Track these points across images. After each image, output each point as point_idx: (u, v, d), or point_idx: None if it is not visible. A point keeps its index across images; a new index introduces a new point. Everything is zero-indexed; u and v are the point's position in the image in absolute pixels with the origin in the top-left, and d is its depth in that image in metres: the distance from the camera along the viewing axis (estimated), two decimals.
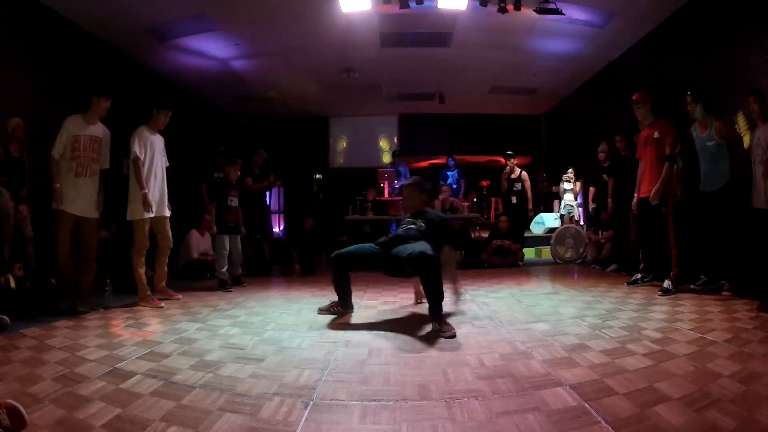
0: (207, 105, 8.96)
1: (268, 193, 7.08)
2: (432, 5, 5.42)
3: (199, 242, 5.67)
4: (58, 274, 3.58)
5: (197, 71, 7.32)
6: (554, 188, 8.65)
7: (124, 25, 5.63)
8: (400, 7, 5.38)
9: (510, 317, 2.99)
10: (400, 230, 3.11)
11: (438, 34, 6.44)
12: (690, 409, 1.50)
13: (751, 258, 3.47)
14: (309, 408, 1.62)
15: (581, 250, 6.48)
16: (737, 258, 3.57)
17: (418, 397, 1.69)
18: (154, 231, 3.79)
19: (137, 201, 3.62)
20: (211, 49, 6.64)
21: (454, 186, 8.22)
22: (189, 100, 8.22)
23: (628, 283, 4.16)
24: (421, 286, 3.03)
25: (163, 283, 3.90)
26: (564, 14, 5.48)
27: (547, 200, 9.24)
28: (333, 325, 2.88)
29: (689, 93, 3.74)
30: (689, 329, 2.51)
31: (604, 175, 5.73)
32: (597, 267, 5.73)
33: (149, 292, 3.68)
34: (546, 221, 8.32)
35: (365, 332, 2.70)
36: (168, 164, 3.96)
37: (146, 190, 3.62)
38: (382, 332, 2.68)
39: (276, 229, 9.22)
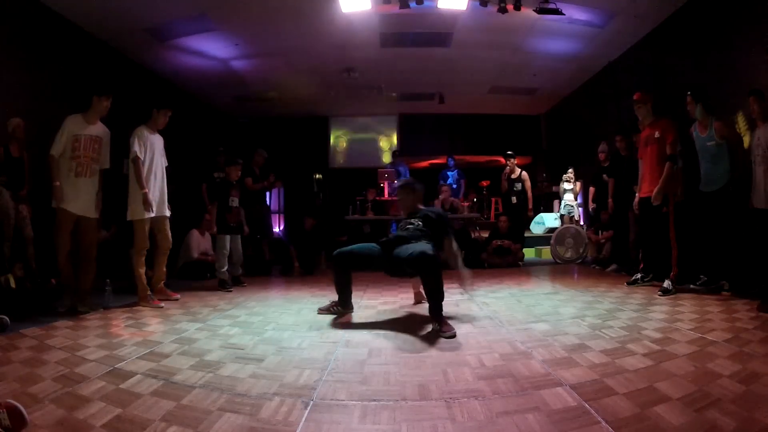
0: (207, 105, 8.96)
1: (268, 193, 7.08)
2: (432, 5, 5.42)
3: (200, 242, 5.67)
4: (58, 274, 3.57)
5: (197, 71, 7.32)
6: (554, 188, 8.65)
7: (124, 25, 5.63)
8: (400, 7, 5.38)
9: (510, 317, 2.99)
10: (401, 231, 3.12)
11: (438, 34, 6.44)
12: (690, 409, 1.50)
13: (751, 258, 3.47)
14: (309, 408, 1.62)
15: (581, 250, 6.48)
16: (737, 258, 3.57)
17: (418, 397, 1.69)
18: (154, 231, 3.79)
19: (137, 201, 3.62)
20: (211, 49, 6.64)
21: (454, 186, 8.21)
22: (189, 100, 8.23)
23: (628, 283, 4.16)
24: (421, 287, 3.04)
25: (162, 284, 3.90)
26: (564, 14, 5.48)
27: (547, 200, 9.24)
28: (333, 325, 2.88)
29: (689, 93, 3.74)
30: (689, 329, 2.51)
31: (604, 175, 5.72)
32: (597, 267, 5.73)
33: (149, 292, 3.68)
34: (546, 221, 8.32)
35: (365, 332, 2.70)
36: (167, 164, 3.96)
37: (146, 190, 3.62)
38: (382, 332, 2.68)
39: (276, 229, 9.22)
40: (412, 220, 3.16)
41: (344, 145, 10.79)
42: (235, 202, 4.85)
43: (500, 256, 6.15)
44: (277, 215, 10.05)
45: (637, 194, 4.16)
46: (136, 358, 2.21)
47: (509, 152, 6.71)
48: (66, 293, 3.43)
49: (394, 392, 1.74)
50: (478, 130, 10.45)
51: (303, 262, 6.01)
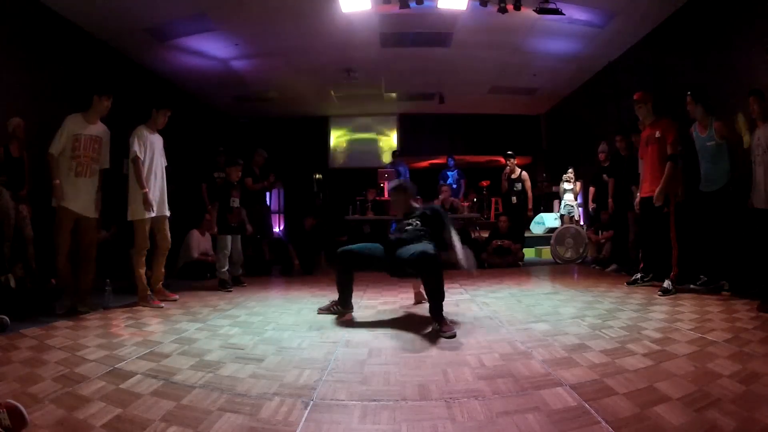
0: (207, 105, 8.96)
1: (268, 194, 7.08)
2: (432, 5, 5.42)
3: (200, 242, 5.67)
4: (57, 274, 3.57)
5: (197, 71, 7.32)
6: (554, 188, 8.65)
7: (124, 25, 5.63)
8: (400, 7, 5.38)
9: (510, 317, 2.99)
10: (401, 234, 3.10)
11: (438, 34, 6.43)
12: (690, 409, 1.50)
13: (751, 258, 3.47)
14: (309, 408, 1.62)
15: (581, 250, 6.48)
16: (737, 258, 3.57)
17: (418, 397, 1.69)
18: (153, 231, 3.78)
19: (138, 201, 3.62)
20: (211, 49, 6.64)
21: (454, 186, 8.21)
22: (189, 100, 8.22)
23: (628, 283, 4.16)
24: (421, 287, 3.04)
25: (160, 284, 3.88)
26: (564, 14, 5.48)
27: (547, 200, 9.24)
28: (333, 325, 2.88)
29: (689, 93, 3.75)
30: (689, 329, 2.51)
31: (604, 175, 5.72)
32: (597, 267, 5.73)
33: (149, 293, 3.68)
34: (546, 221, 8.32)
35: (365, 332, 2.70)
36: (167, 164, 3.95)
37: (147, 190, 3.62)
38: (382, 332, 2.68)
39: (276, 229, 9.22)
40: (411, 221, 3.16)
41: (345, 145, 10.80)
42: (235, 202, 4.86)
43: (500, 256, 6.15)
44: (277, 215, 10.05)
45: (638, 194, 4.16)
46: (136, 358, 2.21)
47: (509, 152, 6.71)
48: (64, 295, 3.40)
49: (394, 392, 1.74)
50: (478, 130, 10.45)
51: (303, 262, 6.01)
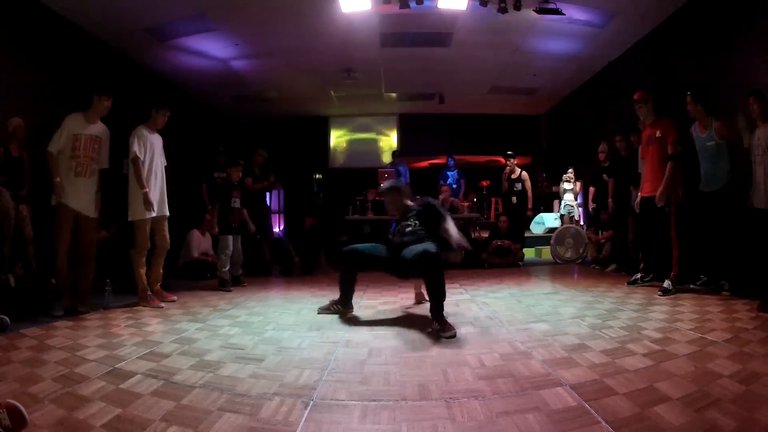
0: (207, 105, 8.96)
1: (268, 194, 7.08)
2: (432, 5, 5.42)
3: (200, 242, 5.67)
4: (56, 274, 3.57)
5: (197, 71, 7.32)
6: (554, 188, 8.65)
7: (124, 25, 5.62)
8: (400, 7, 5.38)
9: (510, 317, 2.99)
10: (405, 238, 3.08)
11: (438, 34, 6.43)
12: (690, 409, 1.50)
13: (751, 258, 3.47)
14: (309, 408, 1.62)
15: (581, 250, 6.48)
16: (737, 258, 3.57)
17: (418, 397, 1.69)
18: (153, 231, 3.77)
19: (138, 201, 3.61)
20: (211, 49, 6.63)
21: (454, 186, 8.21)
22: (189, 100, 8.22)
23: (629, 283, 4.16)
24: (422, 287, 3.03)
25: (158, 285, 3.86)
26: (564, 14, 5.48)
27: (547, 200, 9.24)
28: (333, 325, 2.88)
29: (689, 93, 3.75)
30: (689, 329, 2.51)
31: (604, 175, 5.73)
32: (597, 267, 5.73)
33: (149, 293, 3.68)
34: (546, 221, 8.32)
35: (365, 332, 2.70)
36: (166, 164, 3.95)
37: (147, 190, 3.61)
38: (382, 332, 2.68)
39: (276, 229, 9.22)
40: (409, 222, 3.14)
41: (345, 145, 10.79)
42: (236, 202, 4.87)
43: (500, 256, 6.15)
44: (277, 215, 10.05)
45: (639, 193, 4.15)
46: (136, 358, 2.21)
47: (509, 152, 6.71)
48: (63, 296, 3.35)
49: (394, 392, 1.74)
50: (478, 130, 10.44)
51: (303, 261, 6.01)
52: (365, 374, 1.95)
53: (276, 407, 1.63)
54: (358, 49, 6.72)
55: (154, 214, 3.69)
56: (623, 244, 5.25)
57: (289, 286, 4.80)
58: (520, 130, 10.42)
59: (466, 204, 7.68)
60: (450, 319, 2.69)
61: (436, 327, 2.61)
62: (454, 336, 2.49)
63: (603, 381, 1.77)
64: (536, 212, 8.28)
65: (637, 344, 2.25)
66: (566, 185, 7.63)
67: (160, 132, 3.92)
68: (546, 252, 7.06)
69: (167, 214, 3.88)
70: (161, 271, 3.90)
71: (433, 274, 2.68)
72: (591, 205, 6.49)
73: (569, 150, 8.91)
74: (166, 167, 3.93)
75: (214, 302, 3.81)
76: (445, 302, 2.70)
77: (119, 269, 4.33)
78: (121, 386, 1.82)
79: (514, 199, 6.60)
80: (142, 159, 3.64)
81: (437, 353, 2.24)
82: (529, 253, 7.24)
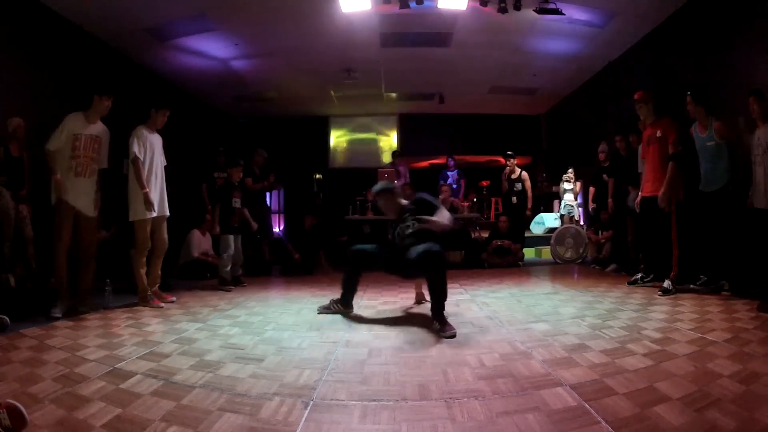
0: (207, 105, 8.96)
1: (268, 194, 7.08)
2: (432, 5, 5.42)
3: (201, 242, 5.68)
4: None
5: (197, 71, 7.31)
6: (554, 188, 8.65)
7: (124, 25, 5.62)
8: (400, 7, 5.38)
9: (510, 317, 2.99)
10: (405, 241, 3.05)
11: (438, 34, 6.43)
12: (690, 409, 1.50)
13: (751, 258, 3.47)
14: (309, 408, 1.62)
15: (581, 250, 6.48)
16: (737, 258, 3.57)
17: (418, 397, 1.69)
18: (152, 231, 3.76)
19: (139, 201, 3.60)
20: (211, 49, 6.63)
21: (454, 186, 8.21)
22: (189, 100, 8.22)
23: (629, 283, 4.16)
24: (423, 287, 3.03)
25: (156, 287, 3.84)
26: (564, 14, 5.48)
27: (547, 200, 9.24)
28: (333, 325, 2.88)
29: (689, 93, 3.74)
30: (689, 329, 2.51)
31: (604, 175, 5.73)
32: (597, 267, 5.73)
33: (149, 293, 3.68)
34: (546, 221, 8.32)
35: (365, 332, 2.70)
36: (166, 164, 3.95)
37: (147, 190, 3.61)
38: (382, 332, 2.68)
39: (276, 229, 9.22)
40: (408, 223, 3.11)
41: (345, 145, 10.79)
42: (237, 203, 4.88)
43: (500, 256, 6.15)
44: (277, 215, 10.05)
45: (639, 193, 4.15)
46: (136, 358, 2.21)
47: (509, 152, 6.71)
48: (61, 298, 3.30)
49: (394, 392, 1.75)
50: (478, 130, 10.44)
51: (302, 261, 6.00)
52: (365, 374, 1.95)
53: (276, 407, 1.63)
54: (358, 49, 6.72)
55: (155, 214, 3.69)
56: (623, 244, 5.25)
57: (289, 286, 4.80)
58: (520, 130, 10.41)
59: (466, 204, 7.68)
60: (450, 319, 2.69)
61: (437, 327, 2.61)
62: (454, 336, 2.49)
63: (603, 381, 1.77)
64: (536, 212, 8.28)
65: (637, 344, 2.25)
66: (566, 185, 7.63)
67: (160, 132, 3.91)
68: (546, 252, 7.06)
69: (167, 214, 3.87)
70: (159, 272, 3.88)
71: (435, 274, 2.67)
72: (591, 205, 6.49)
73: (569, 150, 8.91)
74: (165, 167, 3.93)
75: (214, 302, 3.81)
76: (445, 302, 2.70)
77: (119, 269, 4.33)
78: (121, 386, 1.82)
79: (514, 199, 6.60)
80: (141, 159, 3.64)
81: (437, 353, 2.24)
82: (529, 253, 7.24)
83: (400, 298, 3.78)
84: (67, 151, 3.40)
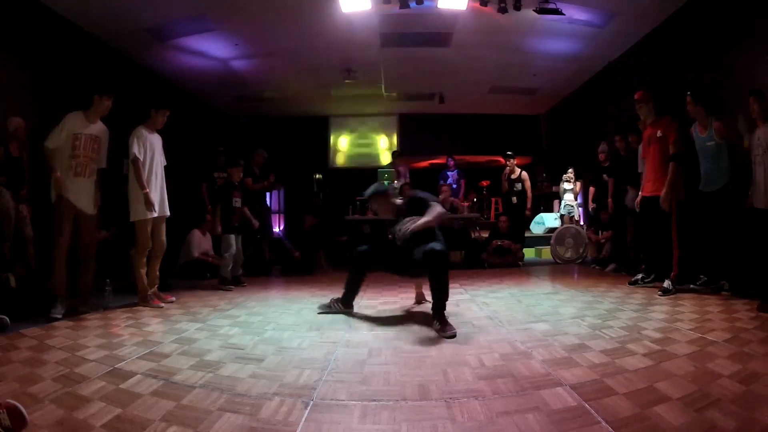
0: (207, 105, 8.96)
1: (268, 194, 7.08)
2: (432, 5, 5.42)
3: (201, 242, 5.68)
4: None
5: (197, 71, 7.31)
6: (554, 188, 8.65)
7: (124, 25, 5.62)
8: (400, 7, 5.38)
9: (510, 317, 2.99)
10: (408, 243, 3.05)
11: (438, 34, 6.43)
12: (690, 409, 1.50)
13: (751, 258, 3.47)
14: (309, 408, 1.62)
15: (581, 250, 6.48)
16: (737, 258, 3.57)
17: (418, 397, 1.69)
18: (151, 231, 3.76)
19: (139, 201, 3.60)
20: (211, 49, 6.63)
21: (454, 186, 8.20)
22: (189, 100, 8.22)
23: (630, 284, 4.16)
24: (423, 287, 3.03)
25: (155, 288, 3.82)
26: (564, 14, 5.48)
27: (547, 200, 9.24)
28: (333, 325, 2.88)
29: (689, 93, 3.74)
30: (689, 329, 2.51)
31: (604, 175, 5.73)
32: (597, 267, 5.73)
33: (149, 293, 3.68)
34: (546, 221, 8.32)
35: (365, 332, 2.70)
36: (166, 164, 3.94)
37: (147, 190, 3.61)
38: (382, 332, 2.68)
39: (276, 229, 9.22)
40: (407, 225, 3.09)
41: (345, 145, 10.79)
42: (237, 203, 4.88)
43: (500, 256, 6.15)
44: (277, 215, 10.05)
45: (639, 193, 4.15)
46: (136, 358, 2.21)
47: (509, 152, 6.72)
48: (60, 298, 3.28)
49: (394, 392, 1.74)
50: (478, 130, 10.44)
51: (302, 261, 6.01)
52: (365, 374, 1.95)
53: (276, 407, 1.63)
54: (358, 49, 6.72)
55: (155, 215, 3.69)
56: (623, 244, 5.25)
57: (289, 286, 4.80)
58: (520, 130, 10.41)
59: (466, 204, 7.68)
60: (450, 319, 2.69)
61: (437, 327, 2.61)
62: (454, 336, 2.49)
63: (603, 381, 1.77)
64: (536, 212, 8.27)
65: (637, 344, 2.25)
66: (566, 185, 7.63)
67: (160, 132, 3.91)
68: (546, 252, 7.06)
69: (167, 214, 3.87)
70: (157, 273, 3.86)
71: (437, 273, 2.67)
72: (591, 205, 6.49)
73: (569, 150, 8.91)
74: (165, 167, 3.92)
75: (214, 302, 3.81)
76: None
77: (119, 269, 4.33)
78: (121, 386, 1.82)
79: (514, 199, 6.60)
80: (141, 159, 3.64)
81: (437, 353, 2.24)
82: (529, 253, 7.24)
83: (400, 298, 3.78)
84: (66, 151, 3.39)
